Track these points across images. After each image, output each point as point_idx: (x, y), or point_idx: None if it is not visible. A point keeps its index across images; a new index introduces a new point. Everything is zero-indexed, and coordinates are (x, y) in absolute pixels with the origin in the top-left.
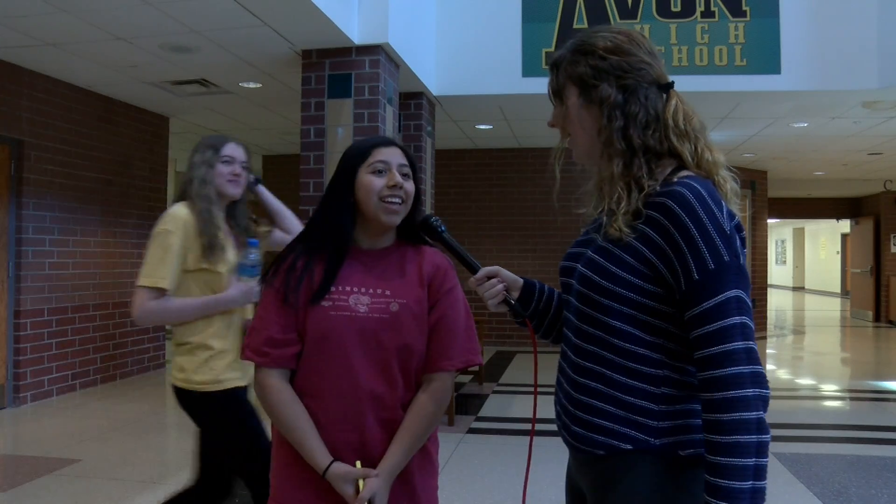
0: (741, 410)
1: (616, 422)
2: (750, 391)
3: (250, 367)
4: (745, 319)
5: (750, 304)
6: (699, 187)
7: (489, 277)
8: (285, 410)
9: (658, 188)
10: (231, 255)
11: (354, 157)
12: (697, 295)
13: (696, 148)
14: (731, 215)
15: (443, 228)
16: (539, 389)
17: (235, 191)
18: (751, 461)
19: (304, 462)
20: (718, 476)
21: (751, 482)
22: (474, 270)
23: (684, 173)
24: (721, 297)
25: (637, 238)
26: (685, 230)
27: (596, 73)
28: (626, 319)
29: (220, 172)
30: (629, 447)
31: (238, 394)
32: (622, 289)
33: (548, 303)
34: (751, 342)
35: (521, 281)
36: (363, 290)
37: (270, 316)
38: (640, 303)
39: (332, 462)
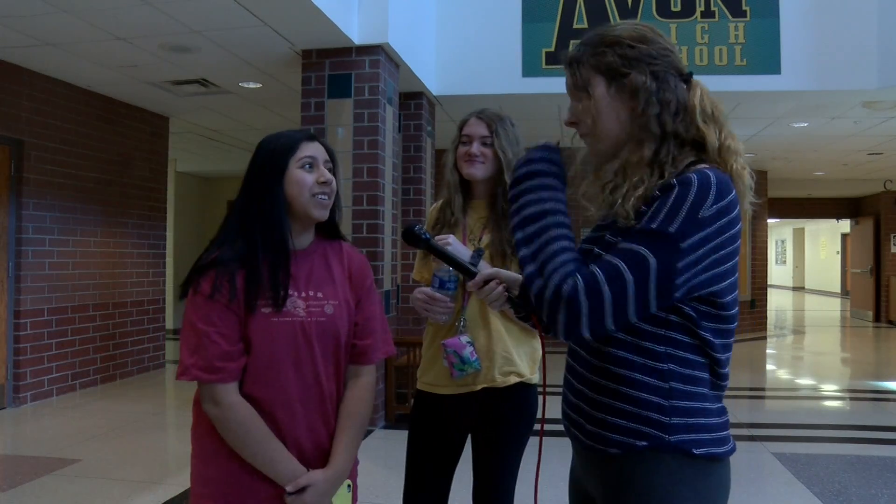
0: (555, 275)
1: (630, 419)
2: (563, 293)
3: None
4: (626, 273)
5: (650, 284)
6: (711, 175)
7: (487, 281)
8: (257, 425)
9: (676, 173)
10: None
11: (283, 152)
12: (628, 236)
13: (720, 133)
14: (722, 213)
15: (427, 236)
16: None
17: (471, 172)
18: (531, 234)
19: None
20: (542, 217)
21: (529, 224)
22: (472, 275)
23: (702, 165)
24: (632, 244)
25: (636, 218)
26: (665, 199)
27: (626, 62)
28: None
29: (459, 154)
30: (644, 444)
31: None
32: None
33: None
34: (606, 289)
35: (521, 278)
36: (296, 293)
37: (215, 328)
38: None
39: (308, 472)
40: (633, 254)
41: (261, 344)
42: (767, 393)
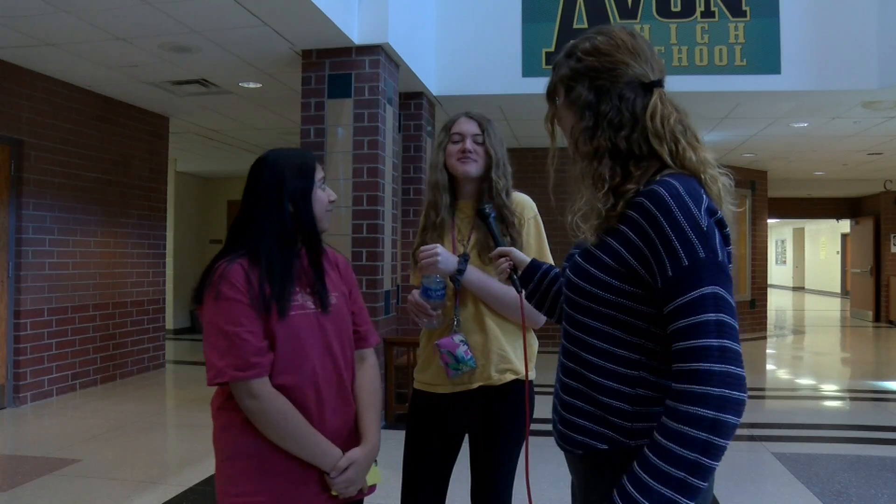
0: (697, 405)
1: (593, 422)
2: (714, 390)
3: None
4: (721, 317)
5: (730, 300)
6: (677, 185)
7: (501, 256)
8: (293, 415)
9: (641, 188)
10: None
11: (311, 172)
12: (673, 291)
13: (676, 149)
14: (712, 211)
15: (493, 215)
16: (542, 390)
17: (466, 168)
18: (691, 455)
19: (279, 464)
20: (655, 454)
21: (683, 474)
22: (496, 247)
23: (666, 172)
24: (696, 293)
25: (616, 239)
26: (660, 228)
27: (573, 75)
28: (604, 320)
29: (450, 153)
30: (605, 447)
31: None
32: (601, 290)
33: (550, 283)
34: (726, 340)
35: (528, 261)
36: (302, 290)
37: (244, 328)
38: (619, 303)
39: (344, 454)
40: (712, 298)
41: (285, 337)
42: (767, 393)
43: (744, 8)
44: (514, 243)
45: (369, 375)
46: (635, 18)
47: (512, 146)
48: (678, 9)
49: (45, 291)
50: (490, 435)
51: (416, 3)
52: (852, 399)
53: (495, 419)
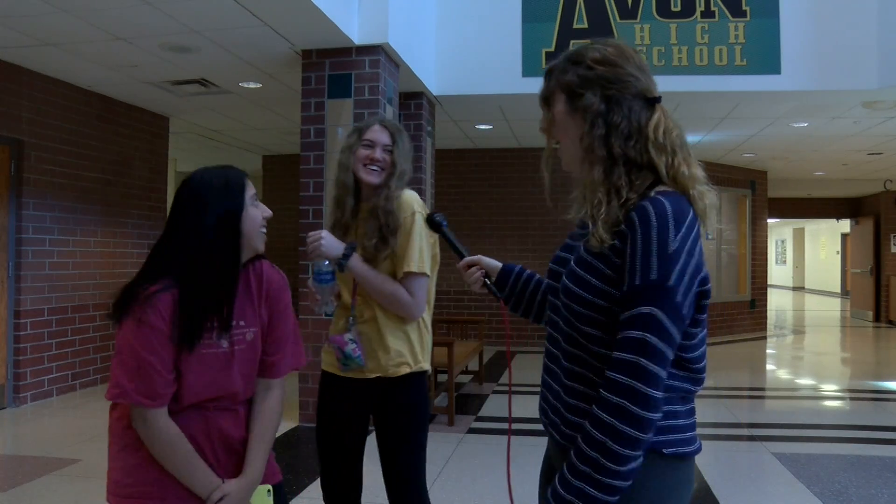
0: (604, 409)
1: None
2: (614, 399)
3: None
4: (648, 337)
5: (665, 323)
6: (666, 205)
7: (470, 266)
8: (182, 445)
9: (637, 200)
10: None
11: (240, 190)
12: (622, 305)
13: (672, 161)
14: (685, 237)
15: (444, 224)
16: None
17: (369, 178)
18: (600, 436)
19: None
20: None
21: (596, 454)
22: (462, 258)
23: (661, 188)
24: (634, 311)
25: (610, 247)
26: (633, 243)
27: (582, 82)
28: (602, 327)
29: (358, 156)
30: None
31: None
32: (597, 298)
33: (525, 284)
34: (643, 359)
35: (500, 266)
36: (218, 324)
37: (158, 358)
38: (613, 311)
39: (223, 482)
40: (643, 318)
41: (189, 371)
42: (767, 393)
43: (744, 8)
44: (385, 245)
45: (269, 408)
46: (635, 18)
47: (512, 146)
48: (678, 9)
49: (45, 291)
50: (390, 425)
51: (416, 3)
52: (852, 399)
53: (393, 409)
